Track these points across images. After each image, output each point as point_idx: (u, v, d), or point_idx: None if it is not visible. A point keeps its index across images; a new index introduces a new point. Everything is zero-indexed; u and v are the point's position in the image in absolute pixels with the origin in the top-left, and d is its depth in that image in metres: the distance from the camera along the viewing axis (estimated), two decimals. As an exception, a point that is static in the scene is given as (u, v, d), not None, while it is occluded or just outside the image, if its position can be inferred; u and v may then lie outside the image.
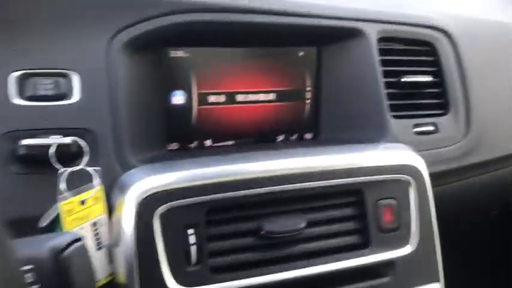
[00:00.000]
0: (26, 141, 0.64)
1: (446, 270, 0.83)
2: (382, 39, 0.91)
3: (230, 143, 0.89)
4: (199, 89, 0.85)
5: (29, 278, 0.37)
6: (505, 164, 1.03)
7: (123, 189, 0.67)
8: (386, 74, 0.90)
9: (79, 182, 0.67)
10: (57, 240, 0.41)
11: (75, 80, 0.69)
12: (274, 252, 0.73)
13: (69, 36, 0.69)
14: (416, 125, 0.91)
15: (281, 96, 0.90)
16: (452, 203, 1.01)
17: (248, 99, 0.88)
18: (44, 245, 0.40)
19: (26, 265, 0.37)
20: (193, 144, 0.87)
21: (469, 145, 0.94)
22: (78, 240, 0.43)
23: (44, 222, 0.65)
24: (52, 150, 0.64)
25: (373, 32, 0.89)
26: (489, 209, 1.23)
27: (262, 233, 0.71)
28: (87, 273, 0.45)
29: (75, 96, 0.69)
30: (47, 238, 0.41)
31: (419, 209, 0.80)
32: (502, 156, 1.00)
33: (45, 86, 0.68)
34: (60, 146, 0.64)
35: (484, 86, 0.98)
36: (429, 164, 0.87)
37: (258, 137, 0.91)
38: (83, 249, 0.43)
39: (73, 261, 0.41)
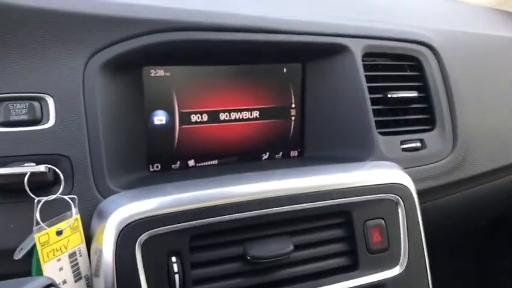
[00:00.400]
0: (-2, 171, 0.61)
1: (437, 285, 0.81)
2: (367, 55, 0.90)
3: (214, 162, 0.87)
4: (181, 108, 0.82)
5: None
6: (493, 177, 1.02)
7: (103, 217, 0.65)
8: (372, 90, 0.88)
9: (55, 210, 0.64)
10: (29, 286, 0.38)
11: (50, 104, 0.66)
12: (261, 278, 0.70)
13: (43, 59, 0.66)
14: (404, 142, 0.90)
15: (265, 114, 0.88)
16: (441, 218, 1.00)
17: (232, 118, 0.86)
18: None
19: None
20: (176, 165, 0.84)
21: (456, 160, 0.93)
22: (50, 285, 0.40)
23: (19, 255, 0.62)
24: (26, 179, 0.61)
25: (358, 48, 0.87)
26: (478, 221, 1.22)
27: (247, 258, 0.69)
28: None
29: (50, 121, 0.66)
30: (17, 284, 0.38)
31: (408, 228, 0.78)
32: (489, 171, 0.99)
33: (19, 111, 0.65)
34: (34, 174, 0.62)
35: (470, 100, 0.98)
36: (417, 180, 0.86)
37: (243, 156, 0.89)
38: (56, 295, 0.41)
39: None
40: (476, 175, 0.97)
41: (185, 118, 0.83)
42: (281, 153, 0.92)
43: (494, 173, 1.01)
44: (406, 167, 0.86)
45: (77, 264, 0.64)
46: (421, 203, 0.82)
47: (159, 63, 0.79)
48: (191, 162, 0.86)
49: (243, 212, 0.68)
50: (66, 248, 0.62)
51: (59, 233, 0.62)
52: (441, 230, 1.08)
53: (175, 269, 0.65)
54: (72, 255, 0.63)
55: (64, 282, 0.62)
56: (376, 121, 0.87)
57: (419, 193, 0.83)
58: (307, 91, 0.91)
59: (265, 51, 0.83)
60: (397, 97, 0.90)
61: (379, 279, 0.76)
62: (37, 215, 0.61)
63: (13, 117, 0.65)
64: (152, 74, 0.79)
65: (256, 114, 0.88)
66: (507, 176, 1.06)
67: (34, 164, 0.62)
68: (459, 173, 0.94)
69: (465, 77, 0.99)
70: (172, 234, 0.65)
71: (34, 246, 0.61)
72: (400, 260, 0.78)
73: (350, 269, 0.75)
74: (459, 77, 0.97)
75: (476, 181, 0.99)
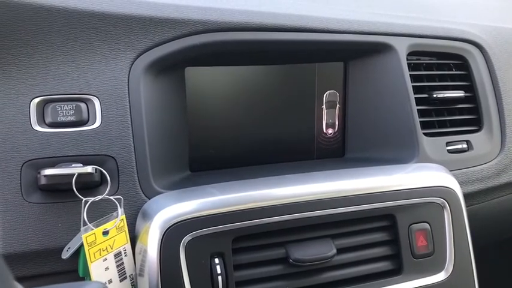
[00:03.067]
0: (47, 171, 0.62)
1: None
2: (411, 53, 0.87)
3: (255, 163, 0.87)
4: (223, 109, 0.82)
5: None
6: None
7: (147, 217, 0.65)
8: (416, 89, 0.86)
9: (102, 210, 0.66)
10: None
11: (96, 105, 0.67)
12: (304, 281, 0.70)
13: (89, 60, 0.67)
14: (449, 143, 0.87)
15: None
16: (488, 221, 0.97)
17: (273, 118, 0.86)
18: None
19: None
20: (217, 165, 0.84)
21: (504, 162, 0.90)
22: (101, 290, 0.40)
23: (66, 254, 0.63)
24: (74, 179, 0.62)
25: (402, 47, 0.85)
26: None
27: (290, 260, 0.68)
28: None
29: (97, 122, 0.67)
30: (68, 287, 0.39)
31: (454, 232, 0.76)
32: (538, 173, 0.95)
33: (66, 112, 0.66)
34: (81, 175, 0.63)
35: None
36: (463, 183, 0.83)
37: (284, 156, 0.88)
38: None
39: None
40: (525, 178, 0.93)
41: (225, 119, 0.83)
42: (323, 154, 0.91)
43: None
44: (452, 169, 0.83)
45: (122, 263, 0.64)
46: (467, 206, 0.80)
47: (201, 63, 0.79)
48: (232, 164, 0.85)
49: (285, 215, 0.68)
50: (112, 248, 0.63)
51: (105, 233, 0.63)
52: (489, 234, 1.05)
53: (218, 270, 0.65)
54: (117, 255, 0.64)
55: (110, 281, 0.63)
56: (420, 122, 0.85)
57: (466, 196, 0.81)
58: (349, 90, 0.89)
59: (309, 50, 0.82)
60: (443, 97, 0.87)
61: (424, 284, 0.74)
62: (84, 216, 0.62)
63: (61, 118, 0.66)
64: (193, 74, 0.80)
65: (297, 114, 0.87)
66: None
67: (81, 165, 0.64)
68: (507, 176, 0.91)
69: (514, 76, 0.95)
70: (215, 236, 0.65)
71: (81, 245, 0.62)
72: (446, 265, 0.76)
73: (394, 273, 0.74)
74: (508, 76, 0.94)
75: (525, 184, 0.96)
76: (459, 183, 0.78)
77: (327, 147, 0.91)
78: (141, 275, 0.65)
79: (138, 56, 0.70)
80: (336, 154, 0.92)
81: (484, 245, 1.10)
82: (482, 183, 0.88)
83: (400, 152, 0.84)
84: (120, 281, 0.64)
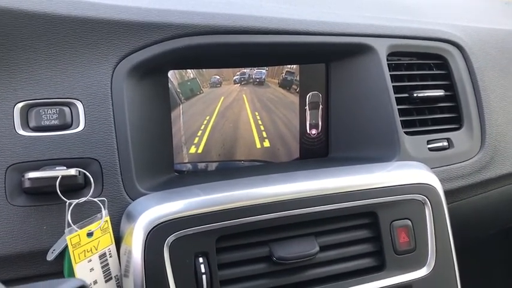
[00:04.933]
0: (31, 174, 0.63)
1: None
2: (392, 54, 0.89)
3: (239, 163, 0.88)
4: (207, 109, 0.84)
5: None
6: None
7: (132, 218, 0.66)
8: (397, 89, 0.88)
9: (86, 212, 0.66)
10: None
11: (80, 109, 0.68)
12: (287, 278, 0.71)
13: (72, 65, 0.68)
14: (430, 141, 0.89)
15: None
16: (469, 218, 0.99)
17: (256, 119, 0.87)
18: (48, 292, 0.38)
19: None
20: (202, 167, 0.85)
21: (484, 160, 0.92)
22: (82, 287, 0.41)
23: (51, 256, 0.63)
24: (58, 182, 0.63)
25: (382, 47, 0.87)
26: (507, 222, 1.19)
27: (273, 259, 0.69)
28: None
29: (80, 125, 0.68)
30: (49, 285, 0.40)
31: (436, 229, 0.78)
32: (518, 169, 0.97)
33: (50, 116, 0.67)
34: (65, 178, 0.63)
35: (497, 98, 0.96)
36: (444, 180, 0.85)
37: (267, 157, 0.89)
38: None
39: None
40: (505, 174, 0.95)
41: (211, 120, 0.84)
42: (307, 154, 0.92)
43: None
44: (433, 166, 0.85)
45: (107, 265, 0.65)
46: (449, 203, 0.81)
47: (184, 66, 0.80)
48: (216, 164, 0.87)
49: (268, 213, 0.69)
50: (96, 249, 0.64)
51: (90, 234, 0.63)
52: (469, 231, 1.07)
53: (203, 269, 0.65)
54: (102, 256, 0.65)
55: (95, 282, 0.63)
56: (402, 121, 0.86)
57: (447, 193, 0.82)
58: (331, 91, 0.90)
59: (290, 52, 0.84)
60: (423, 96, 0.89)
61: (406, 280, 0.75)
62: (68, 217, 0.63)
63: (44, 122, 0.67)
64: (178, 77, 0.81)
65: (281, 114, 0.89)
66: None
67: (65, 168, 0.64)
68: (487, 173, 0.93)
69: (493, 75, 0.97)
70: (199, 236, 0.66)
71: (66, 247, 0.63)
72: (428, 261, 0.77)
73: (377, 269, 0.75)
74: (487, 75, 0.96)
75: (505, 180, 0.98)
76: (440, 180, 0.80)
77: (311, 148, 0.92)
78: (126, 275, 0.66)
79: (120, 60, 0.71)
80: (319, 154, 0.93)
81: (467, 242, 1.12)
82: (463, 180, 0.90)
83: (382, 151, 0.86)
84: (106, 281, 0.65)
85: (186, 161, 0.85)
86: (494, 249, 1.37)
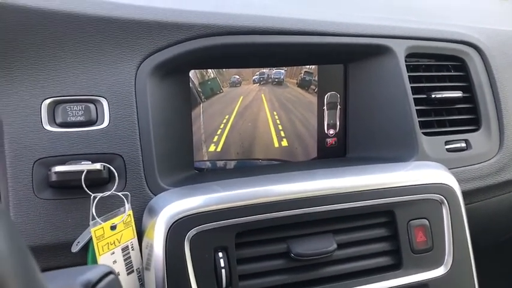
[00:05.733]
0: (58, 168, 0.65)
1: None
2: (410, 55, 0.90)
3: (258, 162, 0.89)
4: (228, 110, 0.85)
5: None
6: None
7: (153, 213, 0.68)
8: (415, 90, 0.88)
9: (109, 206, 0.68)
10: (89, 274, 0.41)
11: (105, 106, 0.70)
12: (305, 275, 0.72)
13: (98, 64, 0.70)
14: (448, 142, 0.89)
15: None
16: (488, 220, 0.98)
17: (275, 119, 0.88)
18: (75, 279, 0.40)
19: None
20: (221, 165, 0.87)
21: (502, 161, 0.92)
22: (110, 273, 0.43)
23: (76, 248, 0.65)
24: (83, 176, 0.65)
25: (401, 49, 0.87)
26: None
27: (291, 255, 0.70)
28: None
29: (105, 122, 0.70)
30: (78, 271, 0.41)
31: (453, 228, 0.78)
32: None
33: (76, 113, 0.69)
34: (90, 172, 0.65)
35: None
36: (462, 181, 0.85)
37: (286, 156, 0.91)
38: (116, 283, 0.44)
39: (106, 294, 0.41)
40: (524, 176, 0.95)
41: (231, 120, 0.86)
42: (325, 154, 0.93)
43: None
44: (450, 167, 0.85)
45: (129, 257, 0.67)
46: (466, 204, 0.81)
47: (205, 66, 0.82)
48: (234, 163, 0.88)
49: (287, 210, 0.70)
50: (119, 242, 0.66)
51: (113, 227, 0.65)
52: (488, 233, 1.06)
53: (222, 264, 0.67)
54: (124, 249, 0.66)
55: (117, 274, 0.65)
56: (420, 121, 0.87)
57: (465, 194, 0.83)
58: (349, 92, 0.91)
59: (308, 53, 0.85)
60: (441, 97, 0.89)
61: (423, 279, 0.76)
62: (93, 210, 0.65)
63: (70, 119, 0.69)
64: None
65: (299, 114, 0.90)
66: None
67: (90, 162, 0.66)
68: (506, 174, 0.93)
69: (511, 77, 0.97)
70: (218, 231, 0.67)
71: (90, 239, 0.65)
72: (445, 261, 0.77)
73: (393, 268, 0.76)
74: (505, 77, 0.96)
75: (524, 182, 0.97)
76: (458, 181, 0.80)
77: (329, 147, 0.93)
78: (147, 268, 0.68)
79: (144, 59, 0.73)
80: (337, 154, 0.94)
81: (484, 245, 1.12)
82: (481, 181, 0.90)
83: (400, 151, 0.87)
84: (128, 274, 0.67)
85: (206, 159, 0.86)
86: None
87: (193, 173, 0.84)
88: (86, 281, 0.40)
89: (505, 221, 1.08)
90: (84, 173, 0.65)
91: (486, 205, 0.95)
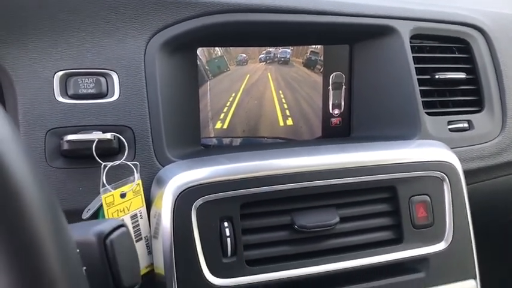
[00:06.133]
0: (69, 137, 0.67)
1: (483, 267, 0.82)
2: (415, 37, 0.91)
3: (262, 140, 0.91)
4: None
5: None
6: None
7: (161, 183, 0.70)
8: (419, 71, 0.90)
9: (119, 176, 0.70)
10: (102, 226, 0.43)
11: (115, 79, 0.72)
12: (308, 246, 0.73)
13: (108, 38, 0.72)
14: (451, 122, 0.91)
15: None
16: (489, 200, 1.00)
17: (280, 98, 0.90)
18: (89, 230, 0.42)
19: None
20: (227, 141, 0.89)
21: (504, 142, 0.93)
22: (122, 226, 0.45)
23: (86, 215, 0.68)
24: (94, 145, 0.67)
25: (406, 30, 0.89)
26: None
27: (295, 227, 0.72)
28: (131, 256, 0.47)
29: (115, 95, 0.72)
30: (92, 224, 0.44)
31: (454, 205, 0.79)
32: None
33: (87, 85, 0.71)
34: (101, 142, 0.68)
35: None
36: (464, 160, 0.86)
37: (291, 134, 0.92)
38: (127, 235, 0.46)
39: (118, 245, 0.43)
40: (527, 157, 0.96)
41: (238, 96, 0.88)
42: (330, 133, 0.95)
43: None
44: (453, 146, 0.87)
45: (138, 225, 0.69)
46: (468, 184, 0.83)
47: (212, 44, 0.84)
48: (240, 140, 0.90)
49: (290, 183, 0.72)
50: (128, 210, 0.68)
51: (123, 195, 0.67)
52: (489, 214, 1.08)
53: (227, 233, 0.69)
54: (133, 216, 0.69)
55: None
56: (423, 101, 0.88)
57: (467, 173, 0.84)
58: (354, 72, 0.93)
59: (314, 32, 0.87)
60: (445, 78, 0.91)
61: (423, 253, 0.77)
62: (104, 178, 0.67)
63: (82, 91, 0.71)
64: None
65: (304, 94, 0.92)
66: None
67: (101, 133, 0.68)
68: (508, 155, 0.94)
69: (515, 60, 0.98)
70: (224, 201, 0.69)
71: (100, 207, 0.67)
72: (445, 236, 0.79)
73: (394, 242, 0.77)
74: (509, 60, 0.97)
75: (526, 164, 0.99)
76: (460, 160, 0.82)
77: (333, 127, 0.95)
78: (155, 237, 0.70)
79: (154, 35, 0.75)
80: (342, 133, 0.95)
81: (486, 226, 1.13)
82: (482, 161, 0.91)
83: (403, 130, 0.88)
84: (136, 241, 0.69)
85: (212, 135, 0.88)
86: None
87: (200, 148, 0.87)
88: (99, 231, 0.42)
89: (506, 203, 1.09)
90: (95, 142, 0.67)
91: (487, 186, 0.97)
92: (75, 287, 0.35)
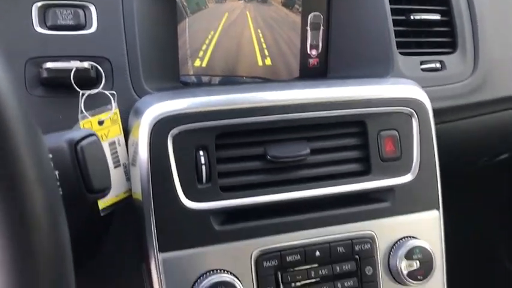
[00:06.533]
0: (48, 65, 0.69)
1: (448, 203, 0.86)
2: (391, -24, 0.92)
3: (240, 79, 0.93)
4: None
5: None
6: (513, 105, 1.05)
7: (138, 113, 0.72)
8: (395, 12, 0.91)
9: (97, 106, 0.73)
10: (73, 134, 0.46)
11: (93, 12, 0.74)
12: (280, 176, 0.77)
13: (86, -32, 0.73)
14: (423, 62, 0.93)
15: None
16: (458, 143, 1.03)
17: (260, 36, 0.92)
18: (61, 138, 0.45)
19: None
20: (206, 79, 0.91)
21: (475, 82, 0.96)
22: (92, 135, 0.48)
23: (66, 141, 0.70)
24: (72, 73, 0.69)
25: (382, -31, 0.90)
26: (499, 152, 1.24)
27: (268, 157, 0.76)
28: (101, 162, 0.50)
29: (93, 27, 0.74)
30: (65, 133, 0.47)
31: (421, 140, 0.82)
32: (510, 96, 1.01)
33: (65, 16, 0.73)
34: (79, 71, 0.70)
35: (493, 30, 0.99)
36: (435, 99, 0.89)
37: (268, 74, 0.95)
38: (97, 143, 0.49)
39: (88, 152, 0.47)
40: (496, 99, 0.99)
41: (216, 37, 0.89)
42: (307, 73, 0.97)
43: (515, 100, 1.03)
44: (424, 86, 0.89)
45: (116, 152, 0.72)
46: (437, 123, 0.86)
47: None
48: (219, 79, 0.92)
49: (264, 116, 0.74)
50: (106, 137, 0.71)
51: (101, 123, 0.70)
52: (458, 157, 1.11)
53: (202, 161, 0.72)
54: (112, 143, 0.72)
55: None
56: (397, 42, 0.90)
57: (437, 112, 0.87)
58: (332, 13, 0.94)
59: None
60: (420, 19, 0.93)
61: (390, 184, 0.81)
62: (82, 105, 0.70)
63: (60, 22, 0.73)
64: (185, -9, 0.86)
65: (283, 33, 0.93)
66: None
67: (79, 62, 0.70)
68: (478, 95, 0.97)
69: (491, 7, 1.00)
70: (200, 131, 0.72)
71: (79, 134, 0.70)
72: (412, 169, 0.82)
73: (362, 174, 0.81)
74: (485, 5, 0.98)
75: (495, 106, 1.02)
76: (430, 99, 0.84)
77: (311, 68, 0.97)
78: (133, 164, 0.73)
79: (132, -34, 0.76)
80: (319, 74, 0.98)
81: (456, 170, 1.17)
82: (453, 101, 0.94)
83: (377, 69, 0.91)
84: (115, 167, 0.72)
85: (191, 73, 0.90)
86: (483, 183, 1.43)
87: (178, 85, 0.89)
88: (70, 138, 0.45)
89: (475, 146, 1.13)
90: (73, 70, 0.69)
91: (457, 126, 1.00)
92: (48, 187, 0.38)
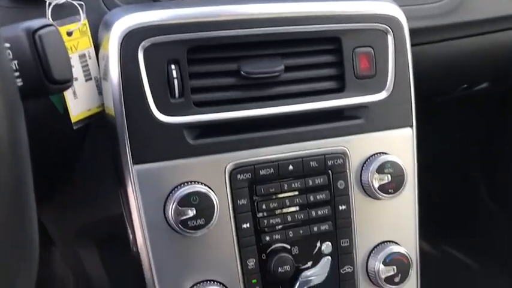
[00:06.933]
0: (11, -29, 0.67)
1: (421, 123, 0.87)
2: None
3: None
4: None
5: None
6: (491, 28, 1.04)
7: (108, 26, 0.71)
8: None
9: (65, 16, 0.71)
10: (30, 22, 0.45)
11: None
12: (254, 92, 0.77)
13: None
14: (400, -19, 0.92)
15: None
16: (434, 66, 1.04)
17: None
18: (18, 27, 0.44)
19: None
20: (180, -2, 0.89)
21: (453, 3, 0.96)
22: (51, 25, 0.47)
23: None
24: (37, -18, 0.67)
25: None
26: (477, 81, 1.25)
27: (242, 73, 0.75)
28: (61, 52, 0.49)
29: None
30: (21, 23, 0.45)
31: (396, 58, 0.82)
32: (487, 19, 1.01)
33: None
34: (45, -20, 0.68)
35: None
36: (412, 19, 0.88)
37: None
38: (56, 32, 0.48)
39: (47, 40, 0.46)
40: (472, 21, 0.99)
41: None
42: None
43: (492, 23, 1.02)
44: (402, 4, 0.88)
45: (87, 65, 0.71)
46: (414, 44, 0.86)
47: None
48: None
49: (236, 29, 0.74)
50: (76, 49, 0.69)
51: (69, 33, 0.69)
52: (435, 82, 1.12)
53: (174, 74, 0.71)
54: (82, 56, 0.71)
55: (76, 79, 0.70)
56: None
57: (414, 31, 0.86)
58: None
59: None
60: None
61: (364, 101, 0.81)
62: (49, 15, 0.68)
63: None
64: None
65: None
66: (507, 30, 1.07)
67: (44, -31, 0.68)
68: (455, 16, 0.97)
69: None
70: (171, 44, 0.71)
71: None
72: (386, 87, 0.83)
73: (337, 91, 0.81)
74: None
75: (473, 29, 1.01)
76: (408, 18, 0.84)
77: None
78: (105, 79, 0.72)
79: None
80: None
81: (433, 97, 1.18)
82: (429, 21, 0.94)
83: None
84: (86, 81, 0.71)
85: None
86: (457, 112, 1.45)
87: (151, 2, 0.87)
88: (27, 26, 0.44)
89: (453, 73, 1.13)
90: (38, -21, 0.67)
91: (434, 49, 1.00)
92: (5, 80, 0.37)
